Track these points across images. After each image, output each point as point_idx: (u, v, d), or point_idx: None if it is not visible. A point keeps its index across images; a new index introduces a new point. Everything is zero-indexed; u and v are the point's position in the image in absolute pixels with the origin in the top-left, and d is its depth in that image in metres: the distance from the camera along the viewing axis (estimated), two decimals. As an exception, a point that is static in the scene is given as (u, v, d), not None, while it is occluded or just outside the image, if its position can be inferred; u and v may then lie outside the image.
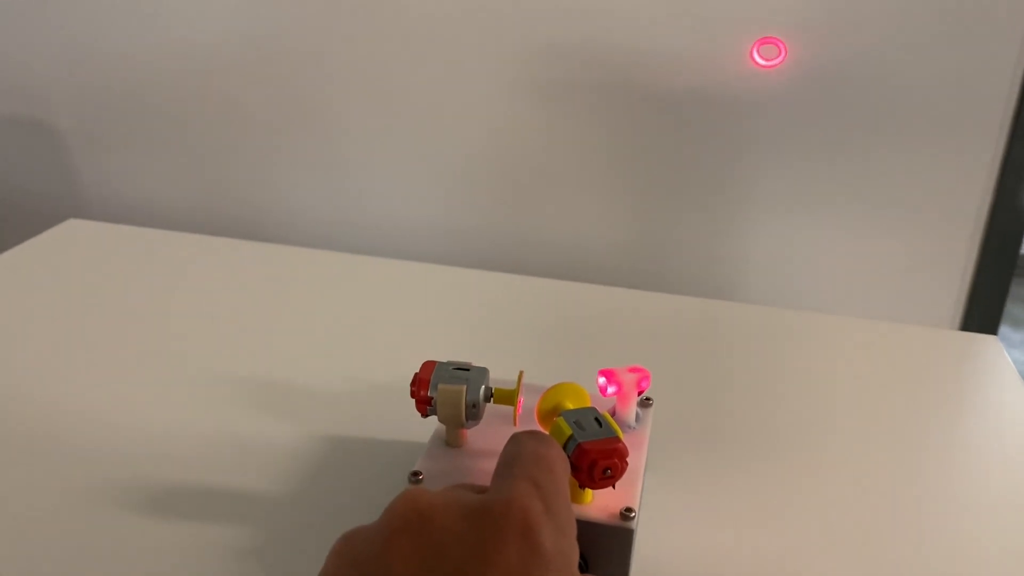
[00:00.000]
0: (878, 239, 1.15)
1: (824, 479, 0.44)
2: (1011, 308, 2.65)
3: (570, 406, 0.37)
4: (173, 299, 0.60)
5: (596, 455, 0.33)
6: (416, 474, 0.36)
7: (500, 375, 0.40)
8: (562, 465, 0.29)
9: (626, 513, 0.34)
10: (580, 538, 0.34)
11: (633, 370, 0.40)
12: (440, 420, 0.37)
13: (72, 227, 0.70)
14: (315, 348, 0.54)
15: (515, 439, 0.30)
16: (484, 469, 0.37)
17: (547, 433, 0.32)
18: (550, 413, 0.37)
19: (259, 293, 0.61)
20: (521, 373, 0.39)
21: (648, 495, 0.42)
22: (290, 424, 0.46)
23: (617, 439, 0.33)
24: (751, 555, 0.39)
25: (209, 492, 0.41)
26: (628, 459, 0.34)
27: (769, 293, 1.20)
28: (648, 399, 0.42)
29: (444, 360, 0.39)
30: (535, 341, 0.56)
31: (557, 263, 1.24)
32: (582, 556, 0.35)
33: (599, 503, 0.35)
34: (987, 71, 1.05)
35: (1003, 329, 2.49)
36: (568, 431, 0.34)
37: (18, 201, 1.37)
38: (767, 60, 1.11)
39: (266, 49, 1.18)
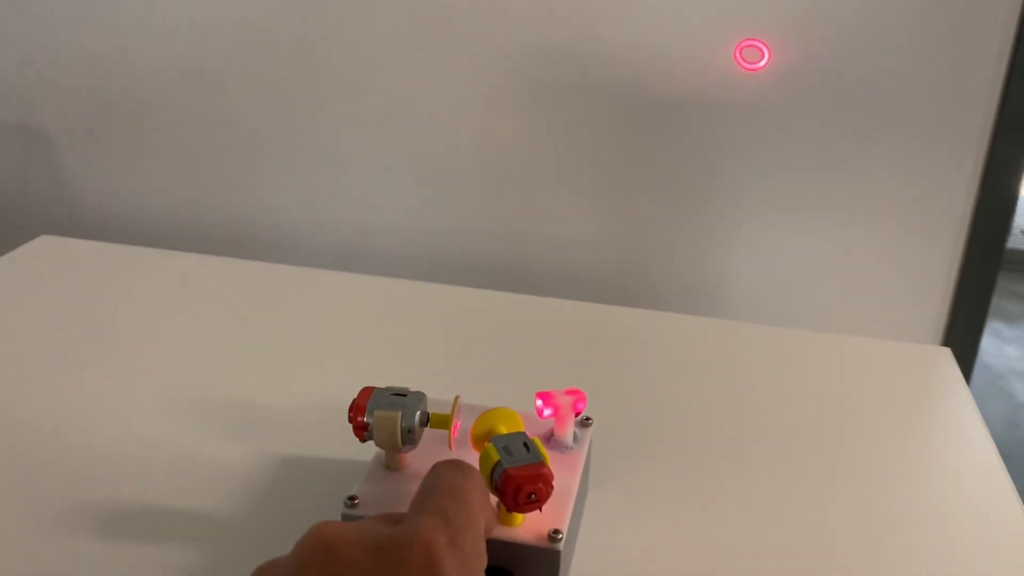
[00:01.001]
0: (863, 238, 1.16)
1: (769, 492, 0.45)
2: (1005, 303, 2.65)
3: (503, 430, 0.38)
4: (133, 317, 0.61)
5: (521, 480, 0.33)
6: (352, 498, 0.37)
7: (447, 395, 0.41)
8: (478, 495, 0.30)
9: (553, 535, 0.35)
10: (511, 560, 0.35)
11: (570, 392, 0.41)
12: (377, 445, 0.38)
13: (43, 244, 0.71)
14: (269, 366, 0.55)
15: (434, 470, 0.31)
16: (421, 493, 0.38)
17: (468, 463, 0.33)
18: (483, 437, 0.38)
19: (219, 310, 0.62)
20: (457, 398, 0.40)
21: (593, 510, 0.43)
22: (241, 443, 0.47)
23: (542, 464, 0.34)
24: (693, 569, 0.40)
25: (159, 512, 0.42)
26: (554, 482, 0.35)
27: (754, 291, 1.21)
28: (588, 419, 0.43)
29: (383, 385, 0.39)
30: (488, 358, 0.57)
31: (541, 263, 1.25)
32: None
33: (529, 525, 0.36)
34: (969, 74, 1.05)
35: (997, 324, 2.49)
36: (496, 457, 0.34)
37: (6, 203, 1.37)
38: (751, 63, 1.12)
39: (255, 54, 1.19)
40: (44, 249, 0.70)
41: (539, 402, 0.40)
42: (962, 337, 1.23)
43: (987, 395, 2.16)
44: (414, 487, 0.38)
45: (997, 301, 2.63)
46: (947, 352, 0.58)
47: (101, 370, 0.54)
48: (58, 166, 1.33)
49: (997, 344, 2.42)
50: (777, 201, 1.15)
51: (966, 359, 1.27)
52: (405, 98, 1.18)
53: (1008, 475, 0.47)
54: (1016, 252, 2.79)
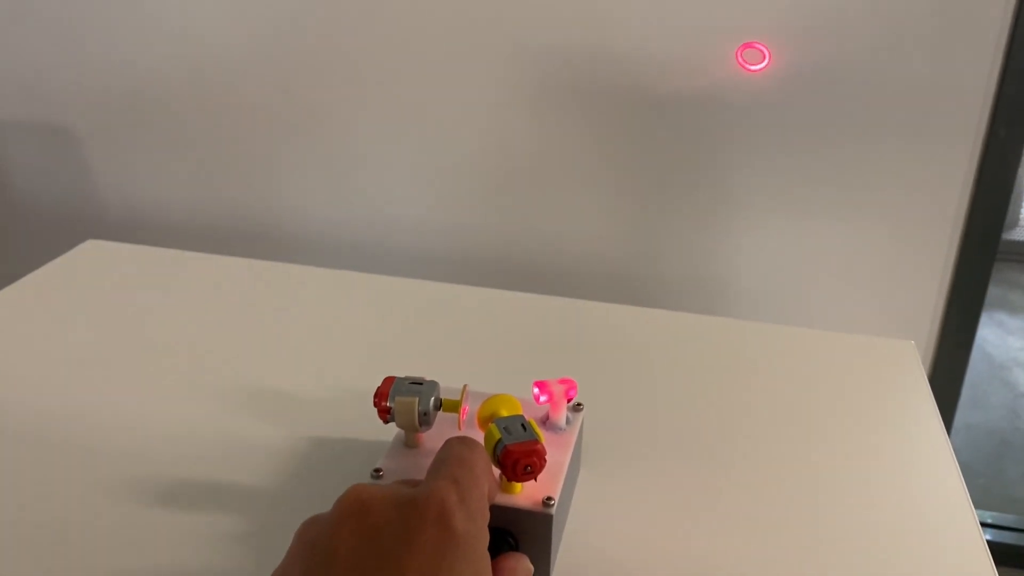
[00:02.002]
0: (863, 232, 1.20)
1: (741, 473, 0.52)
2: (1008, 294, 2.69)
3: (504, 413, 0.45)
4: (179, 314, 0.68)
5: (518, 455, 0.40)
6: (377, 470, 0.44)
7: (457, 384, 0.47)
8: (482, 465, 0.37)
9: (547, 501, 0.42)
10: (511, 522, 0.42)
11: (563, 381, 0.47)
12: (398, 426, 0.45)
13: (91, 248, 0.78)
14: (302, 359, 0.62)
15: (447, 444, 0.38)
16: (434, 466, 0.44)
17: (474, 439, 0.39)
18: (487, 419, 0.45)
19: (256, 309, 0.69)
20: (465, 387, 0.46)
21: (585, 486, 0.49)
22: (280, 426, 0.54)
23: (536, 442, 0.41)
24: (672, 536, 0.47)
25: (209, 486, 0.49)
26: (548, 457, 0.41)
27: (759, 283, 1.25)
28: (579, 405, 0.49)
29: (402, 375, 0.46)
30: (493, 351, 0.64)
31: (551, 259, 1.31)
32: (513, 536, 0.42)
33: (526, 493, 0.42)
34: (965, 70, 1.09)
35: (1000, 315, 2.53)
36: (498, 435, 0.41)
37: (38, 201, 1.44)
38: (752, 64, 1.17)
39: (275, 57, 1.24)
40: (91, 253, 0.77)
41: (536, 389, 0.47)
42: (958, 327, 1.28)
43: (989, 384, 2.20)
44: (428, 462, 0.45)
45: (1001, 292, 2.68)
46: (911, 345, 0.64)
47: (155, 364, 0.61)
48: (87, 167, 1.39)
49: (1000, 334, 2.46)
50: (779, 196, 1.20)
51: (962, 349, 1.32)
52: (419, 99, 1.24)
53: (957, 465, 0.53)
54: (1021, 244, 2.83)
